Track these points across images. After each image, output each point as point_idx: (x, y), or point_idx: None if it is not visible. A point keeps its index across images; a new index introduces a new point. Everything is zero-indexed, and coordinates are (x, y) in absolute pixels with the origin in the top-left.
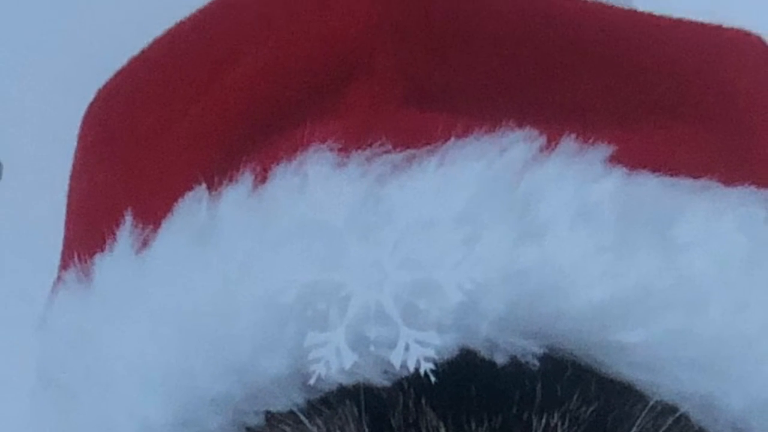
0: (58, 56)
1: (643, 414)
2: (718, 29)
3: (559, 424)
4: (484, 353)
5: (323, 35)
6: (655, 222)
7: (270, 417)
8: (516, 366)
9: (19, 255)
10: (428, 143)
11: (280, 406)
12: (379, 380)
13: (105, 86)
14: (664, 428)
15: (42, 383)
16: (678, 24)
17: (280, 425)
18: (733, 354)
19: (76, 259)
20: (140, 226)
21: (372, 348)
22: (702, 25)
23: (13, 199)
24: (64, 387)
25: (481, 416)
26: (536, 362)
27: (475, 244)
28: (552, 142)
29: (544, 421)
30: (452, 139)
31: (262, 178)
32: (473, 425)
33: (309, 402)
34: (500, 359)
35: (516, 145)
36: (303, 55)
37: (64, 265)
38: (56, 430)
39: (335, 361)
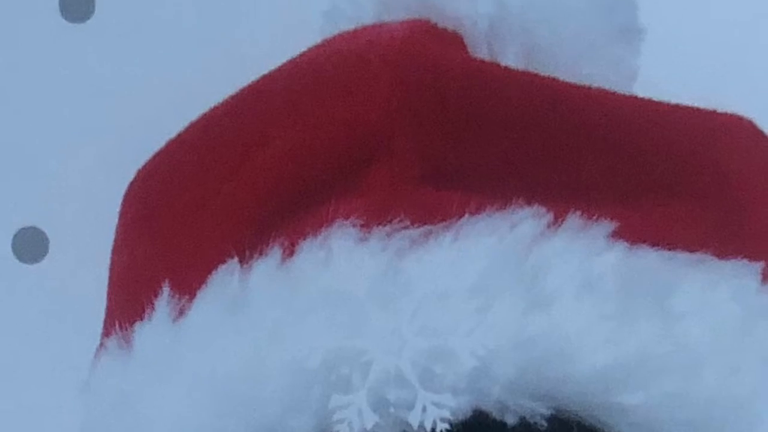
0: (101, 139)
1: None
2: (713, 114)
3: None
4: (495, 414)
5: (347, 120)
6: (654, 292)
7: None
8: (525, 426)
9: (65, 323)
10: (444, 219)
11: None
12: None
13: (144, 166)
14: None
15: None
16: (675, 109)
17: None
18: (726, 415)
19: (117, 327)
20: (177, 296)
21: (392, 409)
22: (697, 110)
23: (59, 272)
24: None
25: None
26: (544, 423)
27: (487, 313)
28: (558, 219)
29: None
30: (466, 215)
31: (289, 251)
32: None
33: None
34: (510, 420)
35: (525, 221)
36: (328, 139)
37: (107, 333)
38: None
39: (357, 421)
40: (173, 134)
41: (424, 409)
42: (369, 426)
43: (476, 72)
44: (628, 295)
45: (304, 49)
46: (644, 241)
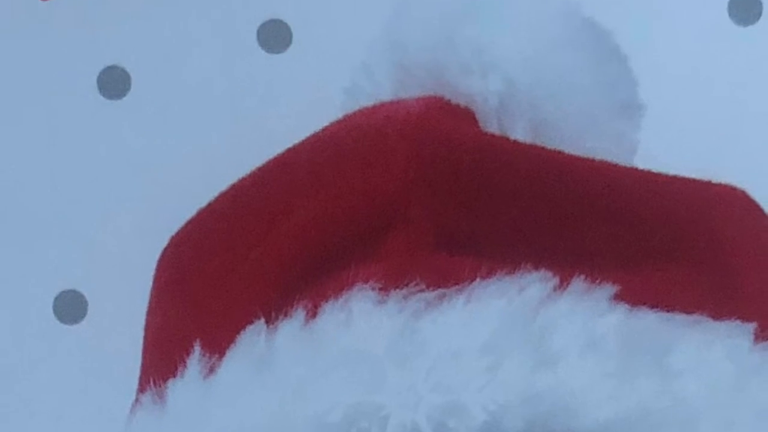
0: (136, 207)
1: None
2: (708, 184)
3: None
4: None
5: (366, 190)
6: (653, 351)
7: None
8: None
9: (103, 380)
10: (457, 283)
11: None
12: None
13: (176, 234)
14: None
15: None
16: (673, 180)
17: None
18: None
19: (151, 383)
20: (207, 355)
21: None
22: (694, 181)
23: (97, 332)
24: None
25: None
26: None
27: (497, 371)
28: (564, 283)
29: None
30: (477, 279)
31: (312, 313)
32: None
33: None
34: None
35: (533, 285)
36: (348, 208)
37: (142, 389)
38: None
39: None
40: (204, 203)
41: None
42: None
43: (487, 145)
44: (628, 354)
45: (326, 123)
46: (644, 304)
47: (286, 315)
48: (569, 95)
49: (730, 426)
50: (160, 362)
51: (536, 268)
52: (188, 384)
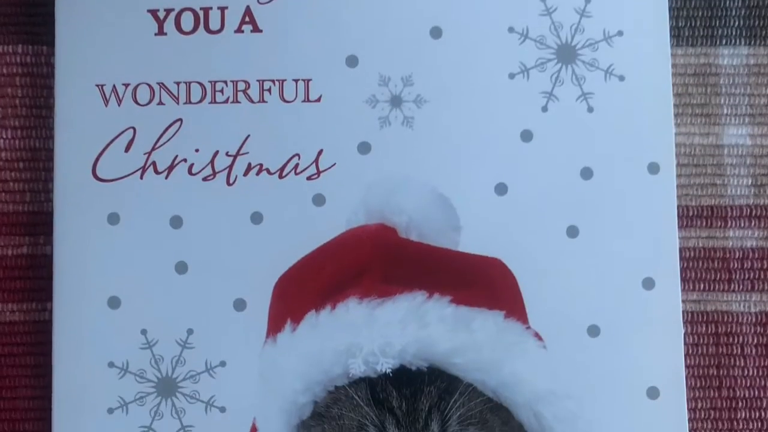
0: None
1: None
2: (487, 257)
3: (434, 388)
4: (408, 366)
5: (353, 259)
6: (465, 322)
7: (330, 391)
8: (417, 371)
9: None
10: (391, 296)
11: (339, 383)
12: (373, 375)
13: (282, 275)
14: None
15: None
16: (475, 256)
17: (338, 391)
18: (493, 364)
19: (270, 335)
20: (293, 324)
21: (371, 365)
22: (482, 256)
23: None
24: None
25: (408, 387)
26: (425, 369)
27: (405, 330)
28: (430, 295)
29: (433, 388)
30: (398, 294)
31: (333, 308)
32: (405, 390)
33: (349, 382)
34: (413, 368)
35: (419, 297)
36: (346, 266)
37: (266, 336)
38: None
39: (359, 369)
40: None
41: (382, 364)
42: (362, 370)
43: (403, 241)
44: (456, 323)
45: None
46: (463, 305)
47: (323, 309)
48: (433, 222)
49: (494, 350)
50: (274, 326)
51: (420, 290)
52: (285, 335)
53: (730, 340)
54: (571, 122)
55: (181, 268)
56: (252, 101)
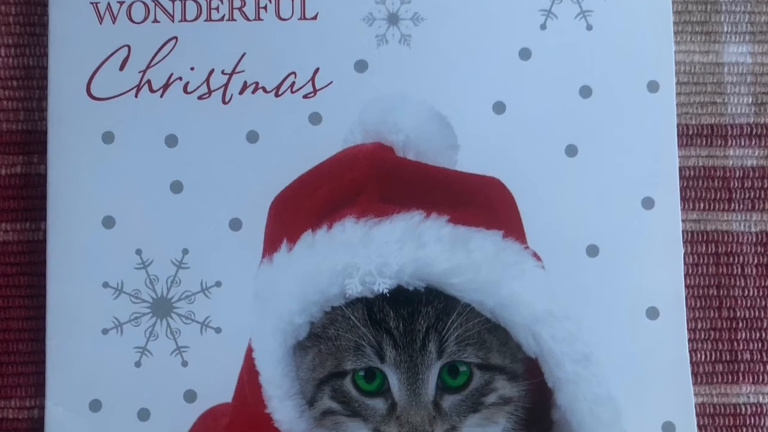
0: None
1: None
2: (486, 177)
3: (431, 309)
4: (405, 286)
5: (351, 178)
6: (463, 241)
7: (327, 312)
8: (415, 291)
9: None
10: (388, 215)
11: (336, 303)
12: (370, 295)
13: (278, 195)
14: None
15: None
16: (472, 175)
17: (334, 311)
18: (488, 282)
19: (266, 254)
20: (289, 243)
21: (368, 285)
22: (481, 175)
23: None
24: None
25: (405, 307)
26: (422, 289)
27: (402, 249)
28: (428, 215)
29: (430, 309)
30: (395, 214)
31: (329, 227)
32: (402, 311)
33: (346, 302)
34: (410, 288)
35: (416, 216)
36: (344, 185)
37: (263, 256)
38: None
39: (355, 289)
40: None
41: (379, 284)
42: (358, 290)
43: (400, 160)
44: (453, 242)
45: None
46: (461, 224)
47: (319, 228)
48: (431, 141)
49: (492, 270)
50: (270, 246)
51: (417, 209)
52: (281, 255)
53: (730, 259)
54: (570, 40)
55: (177, 187)
56: (248, 19)
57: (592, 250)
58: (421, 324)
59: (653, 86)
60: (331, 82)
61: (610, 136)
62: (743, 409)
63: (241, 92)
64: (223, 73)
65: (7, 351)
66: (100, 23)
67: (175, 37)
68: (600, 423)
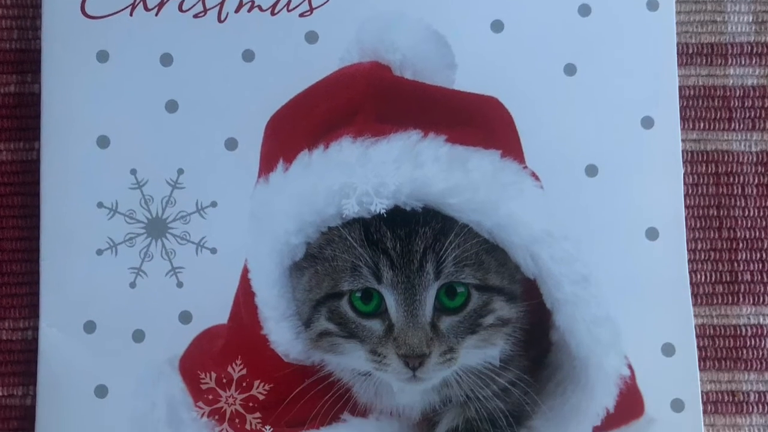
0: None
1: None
2: (483, 96)
3: (429, 229)
4: (403, 207)
5: (348, 97)
6: (461, 161)
7: (323, 232)
8: (412, 211)
9: None
10: (385, 135)
11: (332, 223)
12: (367, 216)
13: (273, 114)
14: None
15: None
16: (469, 94)
17: (331, 232)
18: (486, 203)
19: (262, 174)
20: (285, 162)
21: (365, 205)
22: (478, 94)
23: None
24: None
25: (402, 228)
26: (419, 209)
27: (399, 169)
28: (425, 135)
29: (428, 229)
30: (392, 134)
31: (326, 146)
32: (399, 231)
33: (343, 223)
34: (407, 209)
35: (414, 136)
36: (341, 104)
37: (258, 176)
38: None
39: (352, 209)
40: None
41: (376, 205)
42: (355, 211)
43: (398, 79)
44: (451, 162)
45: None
46: (459, 144)
47: (315, 147)
48: (428, 60)
49: (490, 190)
50: (266, 165)
51: (415, 129)
52: (277, 175)
53: (731, 179)
54: None
55: (172, 106)
56: None
57: (591, 170)
58: (419, 244)
59: (653, 4)
60: (328, 1)
61: (609, 55)
62: (743, 330)
63: (236, 10)
64: None
65: (1, 272)
66: None
67: None
68: (599, 344)
